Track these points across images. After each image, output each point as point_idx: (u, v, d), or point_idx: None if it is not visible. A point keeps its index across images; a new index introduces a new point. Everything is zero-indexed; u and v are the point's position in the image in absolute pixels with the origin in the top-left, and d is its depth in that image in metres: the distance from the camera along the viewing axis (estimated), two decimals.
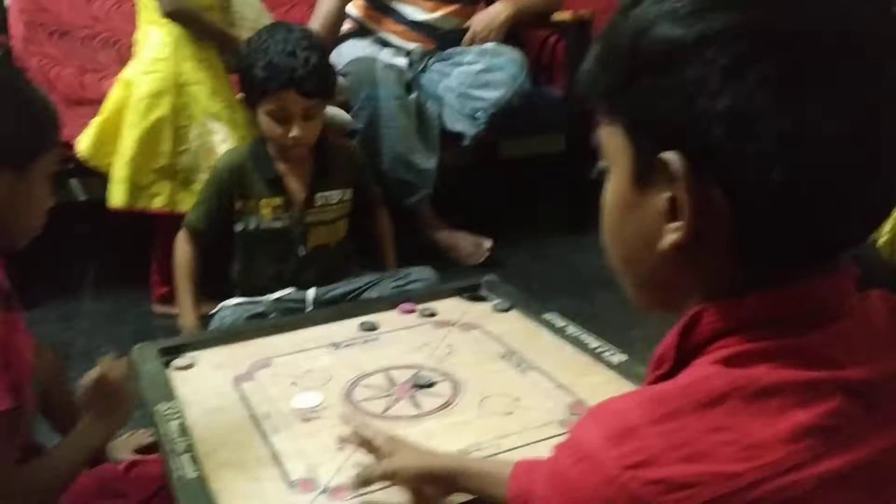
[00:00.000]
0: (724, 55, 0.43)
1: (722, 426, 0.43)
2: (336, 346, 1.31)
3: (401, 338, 1.34)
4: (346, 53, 2.17)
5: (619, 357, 1.19)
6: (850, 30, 0.44)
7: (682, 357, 0.50)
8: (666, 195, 0.47)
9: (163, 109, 1.78)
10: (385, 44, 2.24)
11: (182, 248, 1.60)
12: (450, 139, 2.18)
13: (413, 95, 2.08)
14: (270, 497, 0.90)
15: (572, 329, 1.31)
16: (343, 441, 0.93)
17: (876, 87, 0.44)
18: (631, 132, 0.50)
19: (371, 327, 1.36)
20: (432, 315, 1.42)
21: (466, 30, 2.27)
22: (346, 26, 2.23)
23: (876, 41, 0.45)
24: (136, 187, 1.81)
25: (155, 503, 1.01)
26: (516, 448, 0.98)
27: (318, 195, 1.61)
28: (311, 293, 1.61)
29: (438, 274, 1.67)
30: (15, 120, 0.88)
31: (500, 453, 0.98)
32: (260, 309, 1.52)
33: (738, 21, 0.44)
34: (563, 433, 1.01)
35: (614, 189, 0.53)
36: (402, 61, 2.15)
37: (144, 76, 1.81)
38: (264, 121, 1.53)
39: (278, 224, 1.60)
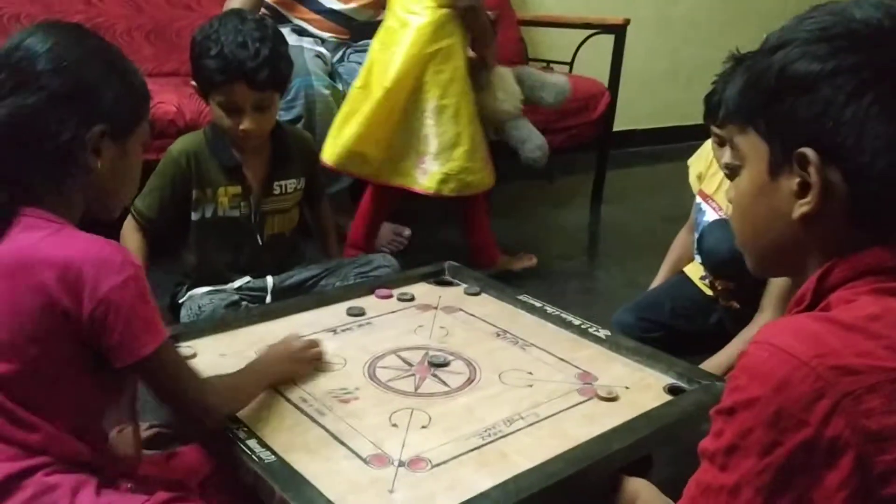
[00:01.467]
0: (849, 82, 0.63)
1: (881, 335, 0.60)
2: (333, 331, 1.34)
3: (392, 321, 1.40)
4: None
5: (603, 332, 1.34)
6: None
7: (817, 297, 0.67)
8: (797, 180, 0.66)
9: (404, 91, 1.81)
10: (301, 32, 2.23)
11: (131, 237, 1.53)
12: None
13: (338, 84, 2.10)
14: (353, 474, 0.95)
15: (550, 309, 1.44)
16: None
17: None
18: (769, 136, 0.68)
19: (359, 312, 1.41)
20: (412, 299, 1.49)
21: (379, 22, 2.31)
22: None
23: None
24: (351, 152, 1.84)
25: (209, 492, 1.00)
26: (554, 414, 1.10)
27: (276, 184, 1.61)
28: (269, 281, 1.60)
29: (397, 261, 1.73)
30: (117, 92, 0.88)
31: (539, 421, 1.08)
32: (234, 297, 1.50)
33: (861, 59, 0.63)
34: (585, 400, 1.14)
35: (749, 179, 0.72)
36: (323, 51, 2.15)
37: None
38: (216, 112, 1.51)
39: (236, 212, 1.58)
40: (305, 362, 1.16)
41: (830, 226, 0.66)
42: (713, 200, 1.63)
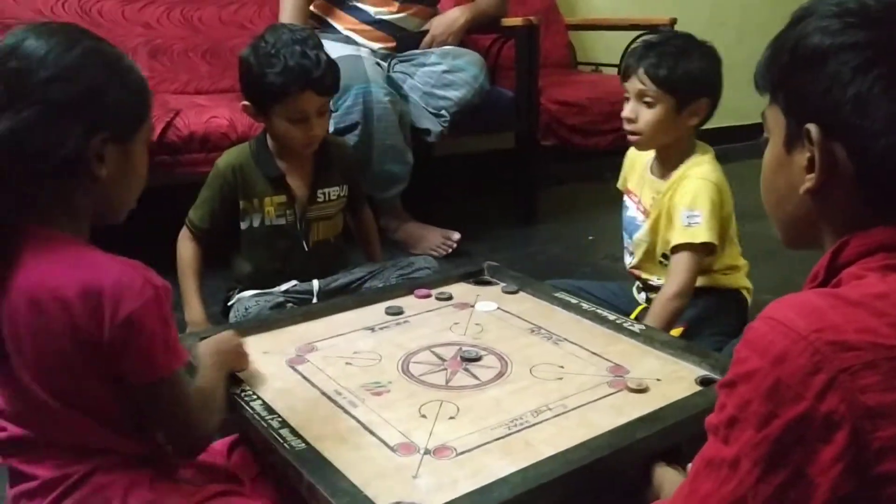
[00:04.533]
0: (856, 58, 0.64)
1: (885, 313, 0.60)
2: (371, 329, 1.38)
3: (429, 319, 1.43)
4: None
5: (639, 327, 1.34)
6: None
7: (830, 273, 0.68)
8: (807, 155, 0.67)
9: None
10: (349, 42, 2.30)
11: (185, 246, 1.62)
12: (413, 136, 2.28)
13: (394, 91, 2.16)
14: (380, 460, 0.98)
15: (586, 305, 1.44)
16: None
17: None
18: (786, 110, 0.70)
19: (398, 311, 1.45)
20: (449, 298, 1.52)
21: (425, 31, 2.37)
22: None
23: None
24: None
25: (259, 489, 1.04)
26: (581, 405, 1.11)
27: (319, 191, 1.67)
28: (315, 284, 1.66)
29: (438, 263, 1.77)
30: (118, 94, 0.84)
31: (566, 412, 1.09)
32: (280, 299, 1.56)
33: (869, 36, 0.64)
34: (615, 392, 1.15)
35: (772, 152, 0.74)
36: (379, 60, 2.22)
37: None
38: (281, 125, 1.55)
39: (282, 221, 1.64)
40: (239, 354, 1.17)
41: (838, 202, 0.67)
42: (634, 195, 1.63)
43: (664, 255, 1.57)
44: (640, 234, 1.59)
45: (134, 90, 0.87)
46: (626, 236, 1.67)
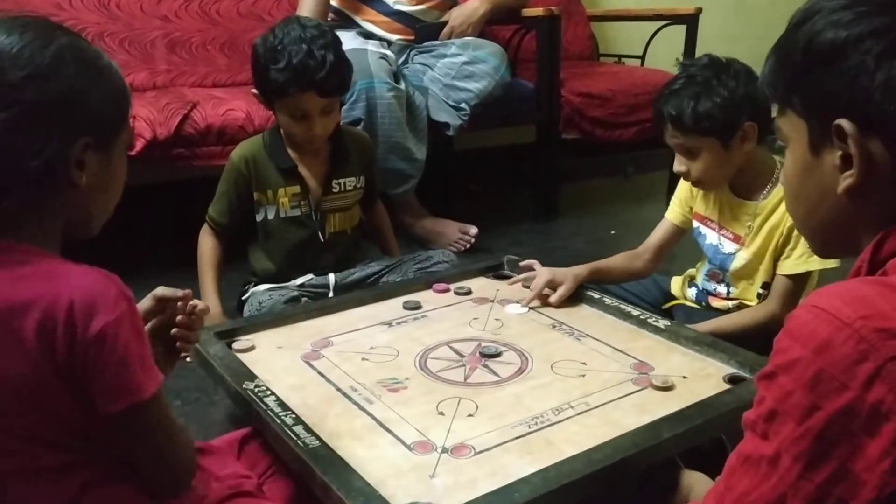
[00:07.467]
0: (877, 45, 0.61)
1: None
2: (388, 324, 1.35)
3: (447, 314, 1.40)
4: None
5: (663, 322, 1.30)
6: None
7: (874, 267, 0.64)
8: (839, 153, 0.63)
9: None
10: (368, 35, 2.27)
11: (206, 241, 1.61)
12: (434, 129, 2.25)
13: (402, 86, 2.12)
14: (397, 459, 0.95)
15: (609, 300, 1.41)
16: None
17: None
18: (806, 112, 0.66)
19: (416, 306, 1.42)
20: (468, 293, 1.49)
21: (444, 23, 2.33)
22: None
23: None
24: None
25: (269, 481, 1.02)
26: (605, 403, 1.07)
27: (335, 182, 1.64)
28: (332, 278, 1.63)
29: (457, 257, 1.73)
30: (99, 95, 0.75)
31: (588, 410, 1.06)
32: (294, 293, 1.54)
33: (886, 21, 0.61)
34: (639, 389, 1.11)
35: (793, 160, 0.70)
36: (389, 53, 2.18)
37: None
38: (283, 119, 1.54)
39: (297, 212, 1.61)
40: None
41: (878, 196, 0.64)
42: (711, 221, 1.49)
43: (764, 285, 1.42)
44: (740, 263, 1.43)
45: (114, 91, 0.78)
46: (711, 266, 1.51)
